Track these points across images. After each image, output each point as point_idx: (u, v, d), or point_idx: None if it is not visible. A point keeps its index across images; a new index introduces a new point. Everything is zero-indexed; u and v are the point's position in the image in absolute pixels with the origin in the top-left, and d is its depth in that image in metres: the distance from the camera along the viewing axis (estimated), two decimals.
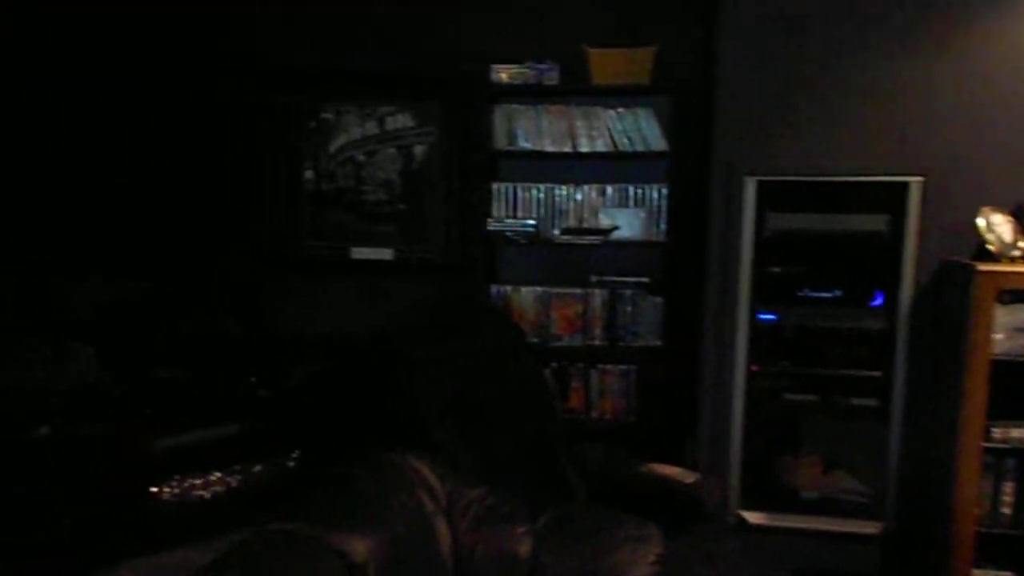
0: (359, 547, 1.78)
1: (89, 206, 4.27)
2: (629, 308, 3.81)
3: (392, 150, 4.17)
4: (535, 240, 3.86)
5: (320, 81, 4.15)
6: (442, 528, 2.18)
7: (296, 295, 4.32)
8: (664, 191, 3.75)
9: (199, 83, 4.23)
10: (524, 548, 2.30)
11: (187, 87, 4.23)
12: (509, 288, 3.97)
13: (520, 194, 3.93)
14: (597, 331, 3.85)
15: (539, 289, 3.93)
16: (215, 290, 4.19)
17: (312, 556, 1.65)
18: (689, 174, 3.64)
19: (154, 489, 3.17)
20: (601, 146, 3.75)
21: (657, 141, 3.69)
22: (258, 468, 3.44)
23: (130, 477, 3.13)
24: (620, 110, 3.72)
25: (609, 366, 3.85)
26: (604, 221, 3.81)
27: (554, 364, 3.84)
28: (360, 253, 4.26)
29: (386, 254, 4.25)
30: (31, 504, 2.71)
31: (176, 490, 3.22)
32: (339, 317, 4.24)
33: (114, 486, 3.08)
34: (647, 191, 3.78)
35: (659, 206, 3.76)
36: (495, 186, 3.93)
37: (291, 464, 3.53)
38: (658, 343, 3.76)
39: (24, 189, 4.11)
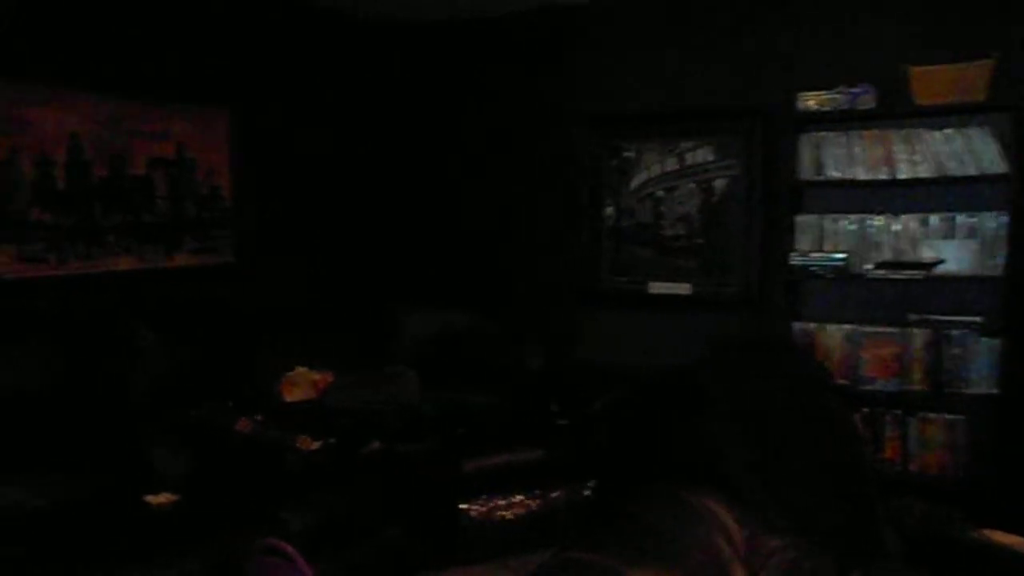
0: None
1: (420, 245, 4.79)
2: (957, 350, 3.39)
3: (692, 185, 4.15)
4: (844, 274, 3.59)
5: (623, 122, 4.27)
6: (738, 575, 2.09)
7: (596, 327, 4.44)
8: (1003, 219, 3.30)
9: (514, 130, 4.57)
10: None
11: (504, 135, 4.60)
12: (814, 325, 3.73)
13: (827, 226, 3.70)
14: (917, 375, 3.48)
15: (848, 327, 3.65)
16: (523, 322, 4.45)
17: None
18: None
19: (464, 506, 3.43)
20: (924, 171, 3.41)
21: (994, 163, 3.27)
22: (556, 494, 3.57)
23: (443, 493, 3.41)
24: (948, 131, 3.37)
25: (932, 415, 3.45)
26: (926, 253, 3.46)
27: (864, 409, 3.54)
28: (658, 287, 4.28)
29: (684, 288, 4.22)
30: (361, 513, 3.03)
31: (483, 509, 3.46)
32: (636, 349, 4.27)
33: (429, 500, 3.38)
34: (981, 219, 3.36)
35: (996, 235, 3.32)
36: (799, 218, 3.74)
37: (587, 493, 3.62)
38: (994, 391, 3.30)
39: (368, 231, 4.71)
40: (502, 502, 3.50)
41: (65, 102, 3.21)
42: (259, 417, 3.26)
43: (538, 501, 3.55)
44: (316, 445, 3.15)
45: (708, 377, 3.30)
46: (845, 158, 3.59)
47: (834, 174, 3.61)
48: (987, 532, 2.94)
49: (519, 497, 3.52)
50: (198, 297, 3.73)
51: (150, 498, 2.86)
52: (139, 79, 3.48)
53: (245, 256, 4.00)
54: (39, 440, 2.76)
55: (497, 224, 4.68)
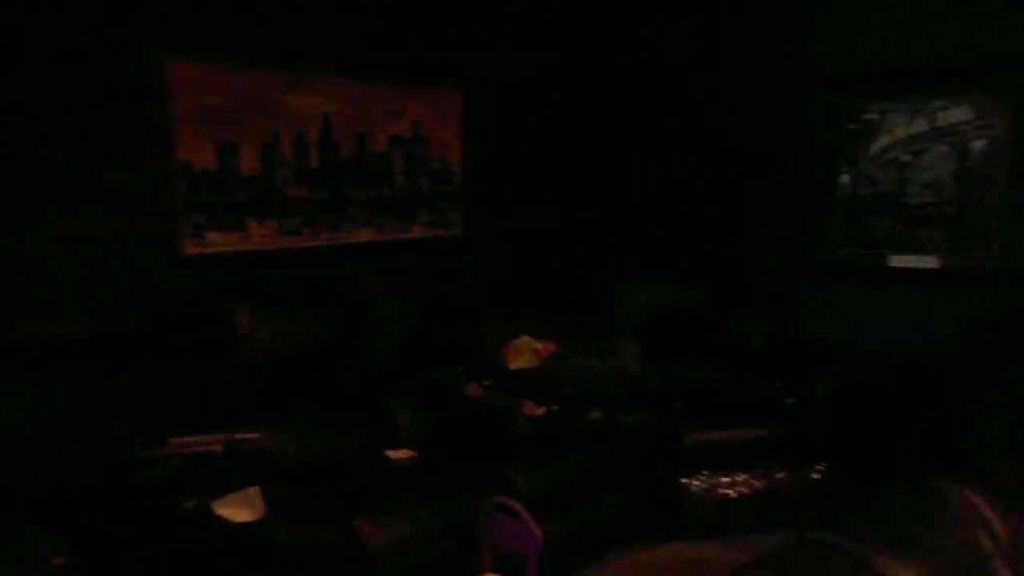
0: (906, 575, 1.64)
1: (641, 217, 4.76)
2: None
3: (944, 147, 3.78)
4: None
5: (865, 81, 3.96)
6: (1003, 572, 1.89)
7: (826, 303, 4.19)
8: None
9: (740, 93, 4.39)
10: None
11: (729, 98, 4.44)
12: None
13: None
14: None
15: None
16: (747, 296, 4.29)
17: (854, 574, 1.58)
18: None
19: (684, 481, 3.39)
20: None
21: None
22: (781, 475, 3.43)
23: (665, 466, 3.39)
24: None
25: None
26: None
27: None
28: (900, 260, 3.95)
29: (930, 262, 3.87)
30: (584, 479, 3.09)
31: (704, 485, 3.40)
32: (872, 327, 3.99)
33: (650, 472, 3.37)
34: None
35: None
36: None
37: (816, 476, 3.44)
38: None
39: (590, 204, 4.75)
40: (724, 479, 3.42)
41: (319, 87, 3.50)
42: (487, 382, 3.41)
43: (762, 481, 3.43)
44: (541, 411, 3.24)
45: (963, 360, 3.03)
46: None
47: None
48: None
49: (742, 475, 3.42)
50: (430, 267, 3.95)
51: (391, 453, 3.10)
52: (381, 63, 3.72)
53: (473, 229, 4.18)
54: (300, 393, 3.06)
55: (721, 193, 4.53)
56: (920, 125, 3.83)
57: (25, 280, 2.74)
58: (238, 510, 2.26)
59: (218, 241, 3.23)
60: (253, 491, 2.33)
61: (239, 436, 2.66)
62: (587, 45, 4.67)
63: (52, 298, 2.80)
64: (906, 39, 3.83)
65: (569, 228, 4.64)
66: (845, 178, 4.06)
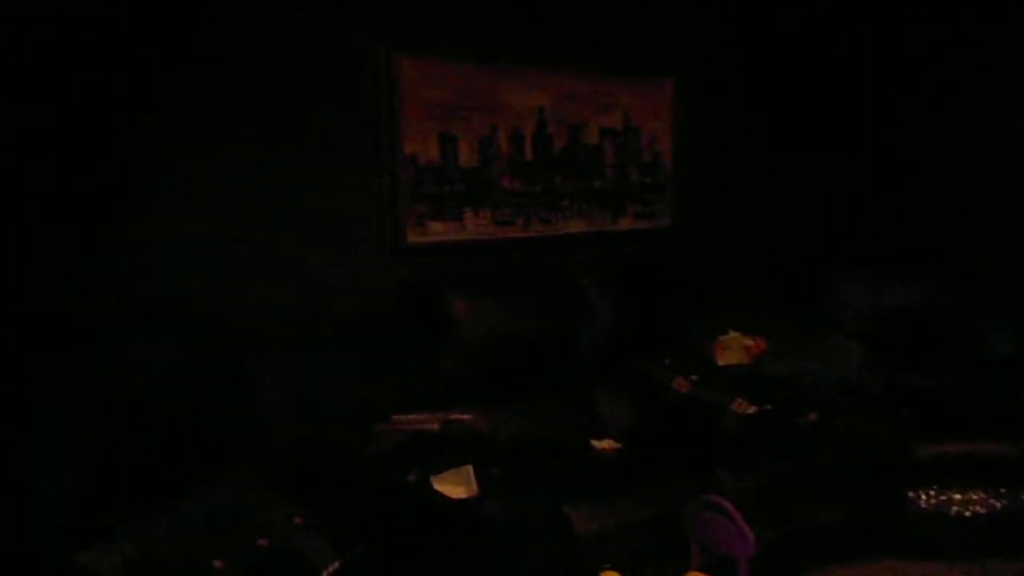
0: None
1: (863, 209, 4.46)
2: None
3: None
4: None
5: None
6: None
7: None
8: None
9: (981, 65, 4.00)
10: None
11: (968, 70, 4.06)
12: None
13: None
14: None
15: None
16: (989, 296, 3.89)
17: None
18: None
19: (911, 495, 3.14)
20: None
21: None
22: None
23: (889, 477, 3.16)
24: None
25: None
26: None
27: None
28: None
29: None
30: (800, 485, 2.94)
31: (934, 501, 3.13)
32: None
33: (873, 483, 3.15)
34: None
35: None
36: None
37: None
38: None
39: (805, 195, 4.52)
40: (957, 496, 3.13)
41: (534, 81, 3.57)
42: (695, 377, 3.33)
43: (1003, 502, 3.10)
44: (752, 410, 3.13)
45: None
46: None
47: None
48: None
49: (979, 494, 3.12)
50: (638, 259, 3.93)
51: (596, 443, 3.12)
52: (594, 55, 3.74)
53: (682, 220, 4.10)
54: (511, 379, 3.16)
55: (960, 180, 4.14)
56: None
57: (267, 267, 3.01)
58: (454, 486, 2.37)
59: (438, 230, 3.40)
60: (467, 469, 2.43)
61: (453, 416, 2.78)
62: (802, 28, 4.43)
63: (287, 284, 3.05)
64: None
65: (783, 219, 4.43)
66: None
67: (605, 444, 3.11)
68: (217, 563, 1.93)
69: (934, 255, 4.15)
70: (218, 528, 2.01)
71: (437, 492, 2.36)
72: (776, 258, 4.30)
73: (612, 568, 2.21)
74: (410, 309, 3.17)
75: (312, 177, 3.09)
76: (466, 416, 2.79)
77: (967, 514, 3.11)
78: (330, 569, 1.97)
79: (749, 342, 3.67)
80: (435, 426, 2.67)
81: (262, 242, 2.98)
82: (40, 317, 2.35)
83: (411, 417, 2.71)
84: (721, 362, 3.58)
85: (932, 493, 3.14)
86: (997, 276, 3.92)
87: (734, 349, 3.64)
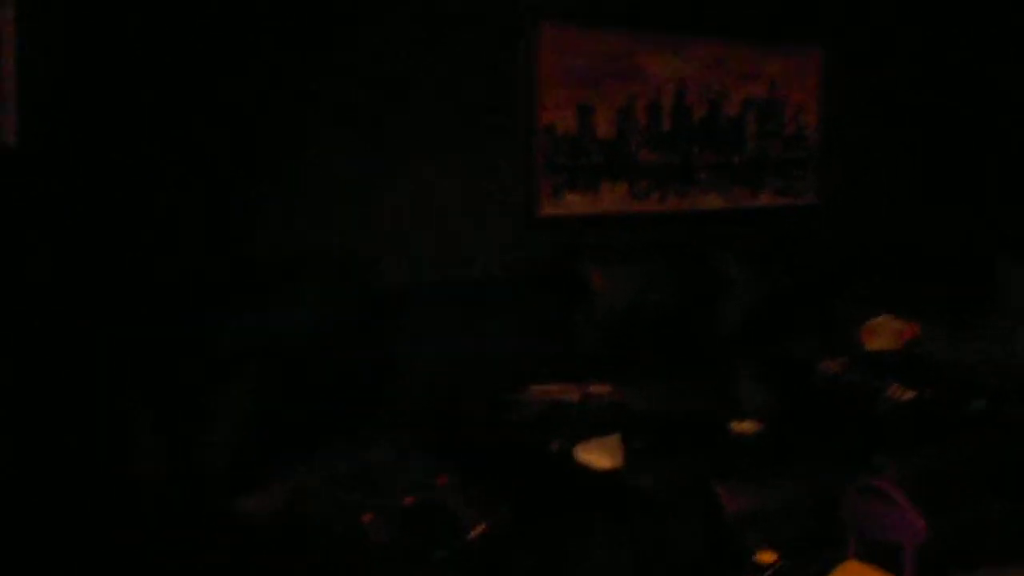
0: None
1: None
2: None
3: None
4: None
5: None
6: None
7: None
8: None
9: None
10: None
11: None
12: None
13: None
14: None
15: None
16: None
17: None
18: None
19: None
20: None
21: None
22: None
23: None
24: None
25: None
26: None
27: None
28: None
29: None
30: (964, 477, 2.72)
31: None
32: None
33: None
34: None
35: None
36: None
37: None
38: None
39: (966, 171, 4.20)
40: None
41: (674, 49, 3.45)
42: (844, 360, 3.14)
43: None
44: (910, 395, 2.91)
45: None
46: None
47: None
48: None
49: None
50: (781, 236, 3.74)
51: (735, 424, 2.97)
52: (739, 21, 3.58)
53: (830, 197, 3.88)
54: (649, 352, 3.06)
55: None
56: None
57: (399, 234, 3.02)
58: (599, 456, 2.29)
59: (574, 202, 3.32)
60: (614, 439, 2.35)
61: (592, 389, 2.71)
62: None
63: (420, 252, 3.05)
64: None
65: (939, 196, 4.13)
66: None
67: (744, 426, 2.96)
68: (365, 517, 1.93)
69: None
70: (367, 483, 2.01)
71: (579, 462, 2.29)
72: (931, 241, 4.02)
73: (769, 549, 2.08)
74: (547, 279, 3.12)
75: (454, 144, 3.08)
76: (604, 388, 2.71)
77: None
78: (478, 530, 1.93)
79: (901, 326, 3.43)
80: (575, 396, 2.60)
81: (405, 209, 3.00)
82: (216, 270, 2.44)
83: (550, 387, 2.65)
84: (870, 346, 3.36)
85: None
86: None
87: (884, 333, 3.40)
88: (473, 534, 1.92)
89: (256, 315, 2.21)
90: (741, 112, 3.65)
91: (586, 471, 2.26)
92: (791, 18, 3.70)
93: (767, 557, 2.06)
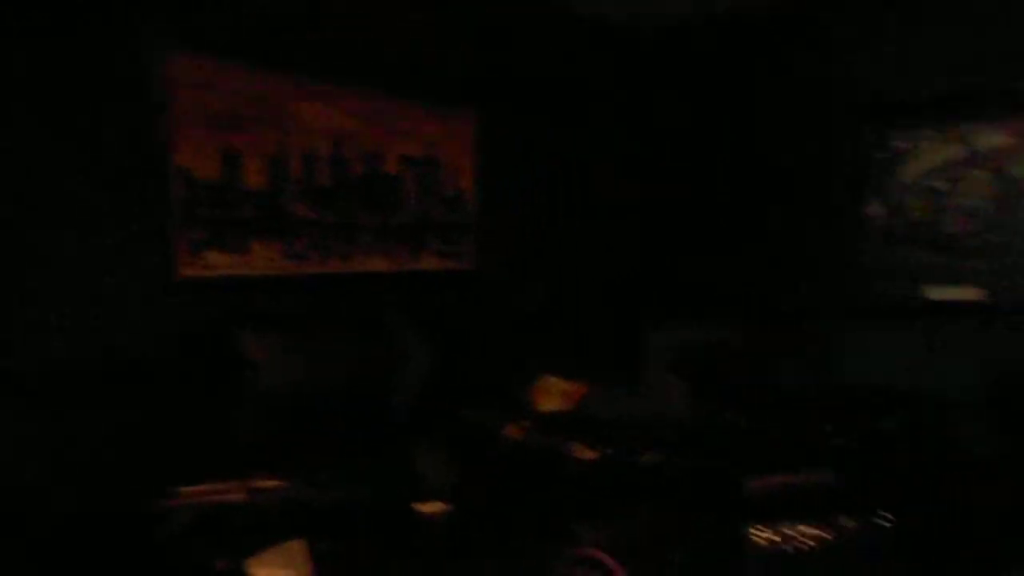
0: None
1: (662, 253, 4.46)
2: None
3: (983, 174, 3.62)
4: None
5: (895, 109, 3.81)
6: None
7: (860, 342, 3.94)
8: None
9: (771, 126, 4.21)
10: None
11: (760, 132, 4.24)
12: None
13: None
14: None
15: None
16: (778, 337, 4.02)
17: None
18: None
19: (747, 531, 3.02)
20: None
21: None
22: (850, 524, 3.10)
23: (726, 515, 3.02)
24: None
25: None
26: None
27: None
28: (937, 294, 3.75)
29: (971, 295, 3.67)
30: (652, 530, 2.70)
31: (769, 536, 3.03)
32: (912, 367, 3.74)
33: (711, 521, 2.99)
34: None
35: None
36: None
37: (886, 524, 3.12)
38: None
39: (609, 240, 4.45)
40: (788, 531, 3.05)
41: (329, 98, 3.14)
42: (525, 423, 3.00)
43: (830, 530, 3.08)
44: (593, 455, 2.85)
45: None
46: None
47: None
48: None
49: (807, 526, 3.07)
50: (443, 301, 3.57)
51: (421, 506, 2.65)
52: (396, 76, 3.39)
53: (486, 262, 3.81)
54: (318, 436, 2.61)
55: (752, 226, 4.29)
56: (958, 152, 3.68)
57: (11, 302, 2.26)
58: (280, 570, 1.80)
59: (220, 262, 2.80)
60: (295, 545, 1.87)
61: (258, 484, 2.20)
62: (608, 74, 4.45)
63: (37, 322, 2.32)
64: (937, 65, 3.71)
65: (589, 265, 4.32)
66: (877, 208, 3.87)
67: (431, 507, 2.65)
68: None
69: (736, 303, 4.24)
70: None
71: None
72: (587, 304, 4.16)
73: None
74: (193, 355, 2.53)
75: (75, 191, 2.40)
76: (274, 482, 2.22)
77: (801, 547, 3.03)
78: None
79: (567, 386, 3.43)
80: (239, 496, 2.07)
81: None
82: None
83: (204, 488, 2.08)
84: (543, 408, 3.29)
85: (765, 528, 3.03)
86: (788, 322, 4.07)
87: (553, 393, 3.37)
88: None
89: None
90: (400, 170, 3.44)
91: None
92: (443, 78, 3.63)
93: None
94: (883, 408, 3.56)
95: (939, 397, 3.43)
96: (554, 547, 2.26)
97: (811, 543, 3.08)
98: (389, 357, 2.96)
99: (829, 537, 3.08)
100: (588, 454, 2.85)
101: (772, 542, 3.03)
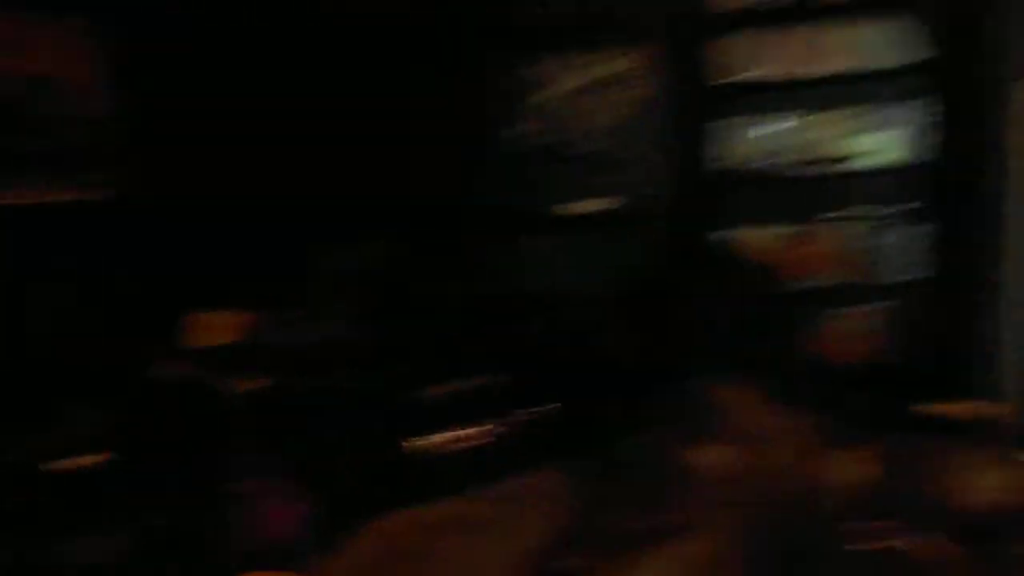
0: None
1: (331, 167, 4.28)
2: (888, 241, 3.51)
3: (605, 97, 4.02)
4: (768, 177, 3.61)
5: (521, 34, 4.04)
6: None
7: (503, 253, 4.22)
8: (927, 108, 3.40)
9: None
10: None
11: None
12: (740, 231, 3.73)
13: (750, 131, 3.69)
14: (848, 268, 3.58)
15: (776, 229, 3.68)
16: (433, 250, 4.16)
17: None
18: (960, 85, 3.30)
19: (411, 440, 3.18)
20: (846, 66, 3.46)
21: (917, 53, 3.35)
22: (510, 421, 3.39)
23: (387, 428, 3.15)
24: (869, 22, 3.42)
25: (865, 305, 3.56)
26: (850, 147, 3.53)
27: (799, 308, 3.60)
28: (570, 208, 4.14)
29: (599, 206, 4.10)
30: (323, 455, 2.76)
31: (436, 442, 3.23)
32: (552, 275, 4.11)
33: (373, 437, 3.11)
34: (904, 110, 3.46)
35: (920, 126, 3.43)
36: (720, 124, 3.70)
37: (549, 417, 3.45)
38: (927, 275, 3.45)
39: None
40: (452, 435, 3.29)
41: None
42: (182, 360, 2.86)
43: (493, 428, 3.36)
44: (254, 385, 2.80)
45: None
46: (766, 58, 3.58)
47: (753, 75, 3.59)
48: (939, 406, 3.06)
49: (470, 428, 3.33)
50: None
51: (65, 463, 2.44)
52: None
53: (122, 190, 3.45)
54: None
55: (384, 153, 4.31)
56: (580, 78, 4.02)
57: None
58: None
59: None
60: None
61: None
62: None
63: None
64: None
65: (241, 185, 4.05)
66: (513, 130, 4.11)
67: (78, 462, 2.46)
68: None
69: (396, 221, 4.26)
70: None
71: None
72: (245, 227, 3.92)
73: None
74: None
75: None
76: None
77: (466, 447, 3.28)
78: None
79: (228, 318, 3.30)
80: None
81: None
82: None
83: None
84: (206, 343, 3.14)
85: (429, 436, 3.23)
86: (441, 238, 4.21)
87: (217, 328, 3.23)
88: None
89: None
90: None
91: None
92: None
93: None
94: (531, 312, 3.91)
95: (578, 300, 3.82)
96: (226, 484, 2.21)
97: (476, 442, 3.36)
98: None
99: (488, 437, 3.38)
100: (250, 385, 2.80)
101: (438, 447, 3.26)
